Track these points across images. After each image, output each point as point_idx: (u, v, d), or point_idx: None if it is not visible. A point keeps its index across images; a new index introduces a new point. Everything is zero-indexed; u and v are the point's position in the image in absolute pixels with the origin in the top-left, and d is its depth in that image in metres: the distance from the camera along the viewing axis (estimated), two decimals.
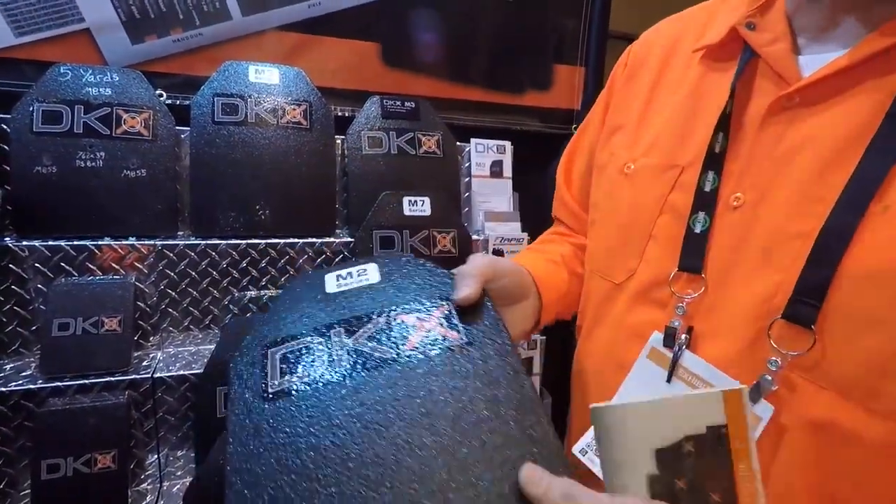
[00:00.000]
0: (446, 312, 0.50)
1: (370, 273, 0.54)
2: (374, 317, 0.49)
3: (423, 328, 0.48)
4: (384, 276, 0.54)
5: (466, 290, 0.49)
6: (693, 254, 0.50)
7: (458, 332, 0.48)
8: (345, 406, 0.42)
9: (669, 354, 0.51)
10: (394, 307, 0.50)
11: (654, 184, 0.55)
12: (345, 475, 0.38)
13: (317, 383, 0.44)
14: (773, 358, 0.43)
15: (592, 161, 0.68)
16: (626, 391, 0.55)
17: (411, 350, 0.46)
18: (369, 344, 0.47)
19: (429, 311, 0.50)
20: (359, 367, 0.45)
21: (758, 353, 0.45)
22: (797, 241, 0.43)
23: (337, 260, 0.98)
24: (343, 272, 0.54)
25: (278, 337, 0.49)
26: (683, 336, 0.50)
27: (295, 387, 0.44)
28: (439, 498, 0.36)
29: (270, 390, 0.44)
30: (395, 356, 0.46)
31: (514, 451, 0.39)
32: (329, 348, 0.47)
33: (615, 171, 0.61)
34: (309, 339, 0.48)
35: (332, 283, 0.53)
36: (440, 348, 0.46)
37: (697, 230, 0.50)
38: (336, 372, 0.45)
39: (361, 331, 0.48)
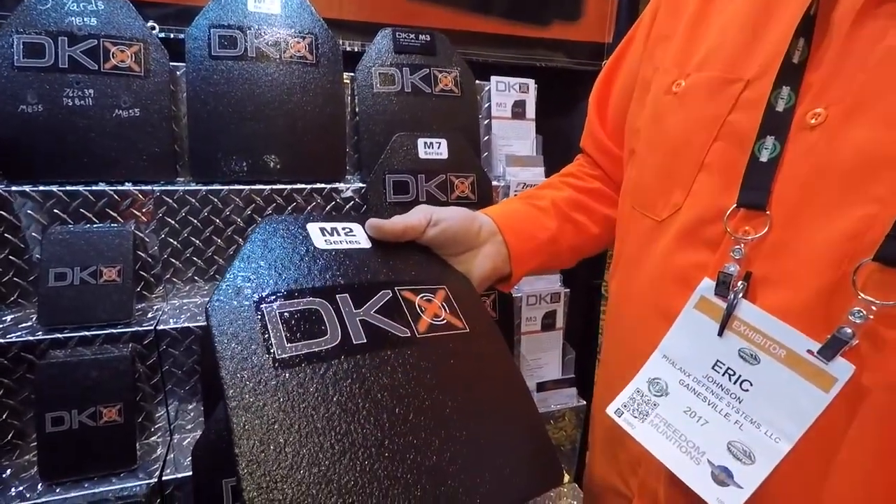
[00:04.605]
0: (445, 297, 0.53)
1: (358, 235, 0.53)
2: (380, 289, 0.49)
3: (430, 311, 0.51)
4: (374, 242, 0.53)
5: (382, 223, 0.53)
6: (757, 186, 0.42)
7: (461, 320, 0.52)
8: (370, 379, 0.42)
9: (723, 305, 0.44)
10: (398, 283, 0.51)
11: (709, 102, 0.46)
12: (374, 453, 0.38)
13: (337, 354, 0.42)
14: (857, 308, 0.36)
15: (634, 84, 0.58)
16: (670, 345, 0.48)
17: (425, 332, 0.48)
18: (382, 318, 0.47)
19: (432, 292, 0.52)
20: (379, 341, 0.45)
21: (836, 303, 0.37)
22: None
23: (348, 207, 0.92)
24: (327, 226, 0.52)
25: (270, 292, 0.43)
26: (740, 283, 0.42)
27: (312, 354, 0.41)
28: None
29: (281, 355, 0.40)
30: (410, 336, 0.47)
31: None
32: (340, 316, 0.45)
33: (661, 89, 0.52)
34: (312, 300, 0.45)
35: (319, 237, 0.50)
36: (449, 334, 0.50)
37: (764, 158, 0.41)
38: (354, 343, 0.43)
39: (370, 302, 0.47)
